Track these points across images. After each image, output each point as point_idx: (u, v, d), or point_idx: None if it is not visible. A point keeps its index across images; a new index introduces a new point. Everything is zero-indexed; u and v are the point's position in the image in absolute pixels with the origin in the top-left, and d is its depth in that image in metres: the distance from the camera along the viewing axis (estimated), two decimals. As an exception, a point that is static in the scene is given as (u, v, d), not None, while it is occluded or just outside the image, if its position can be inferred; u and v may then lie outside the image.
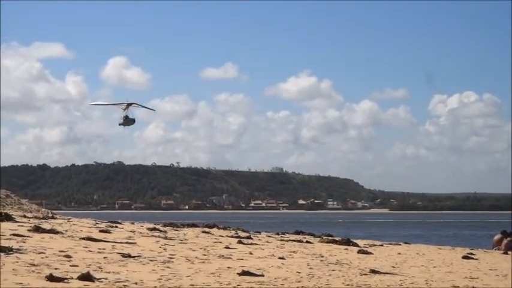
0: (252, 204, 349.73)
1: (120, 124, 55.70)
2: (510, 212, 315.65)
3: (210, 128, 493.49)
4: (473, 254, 22.82)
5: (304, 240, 23.17)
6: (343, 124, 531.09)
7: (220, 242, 18.79)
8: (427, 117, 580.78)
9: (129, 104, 53.86)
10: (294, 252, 17.82)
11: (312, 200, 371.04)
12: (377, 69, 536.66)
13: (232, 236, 22.00)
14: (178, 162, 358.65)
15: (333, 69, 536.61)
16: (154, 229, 23.00)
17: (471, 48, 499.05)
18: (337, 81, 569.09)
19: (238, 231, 25.76)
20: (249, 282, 11.06)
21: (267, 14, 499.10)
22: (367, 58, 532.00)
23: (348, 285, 11.77)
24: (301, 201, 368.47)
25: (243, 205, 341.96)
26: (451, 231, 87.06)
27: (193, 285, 10.09)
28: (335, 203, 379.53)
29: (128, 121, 54.74)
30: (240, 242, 19.21)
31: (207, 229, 25.49)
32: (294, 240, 22.77)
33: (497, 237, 32.62)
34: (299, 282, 11.67)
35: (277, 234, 27.17)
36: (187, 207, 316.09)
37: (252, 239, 21.75)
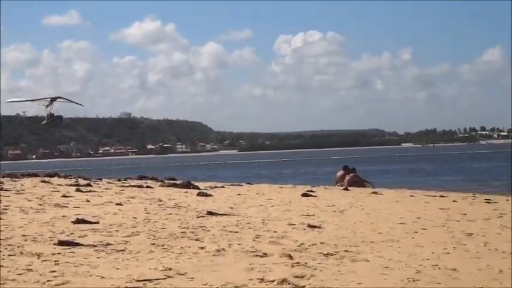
0: (101, 151, 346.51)
1: (44, 124, 50.29)
2: (356, 147, 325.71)
3: (55, 76, 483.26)
4: (313, 192, 23.34)
5: (145, 185, 23.10)
6: (190, 67, 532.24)
7: (58, 191, 18.42)
8: (272, 57, 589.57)
9: (53, 99, 47.57)
10: (132, 197, 17.71)
11: (161, 144, 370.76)
12: (221, 10, 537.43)
13: (71, 185, 21.64)
14: (24, 112, 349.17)
15: (177, 13, 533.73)
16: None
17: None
18: (182, 24, 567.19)
19: (79, 179, 25.41)
20: (82, 230, 10.92)
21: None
22: (209, 0, 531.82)
23: (183, 228, 11.82)
24: (150, 146, 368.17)
25: (91, 152, 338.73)
26: (300, 169, 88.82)
27: (25, 235, 9.86)
28: (184, 146, 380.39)
29: (53, 120, 48.75)
30: (78, 190, 18.91)
31: (47, 178, 24.97)
32: (134, 186, 22.64)
33: (339, 173, 33.57)
34: (134, 227, 11.63)
35: (119, 180, 26.95)
36: (34, 156, 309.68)
37: (91, 186, 21.50)
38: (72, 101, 52.66)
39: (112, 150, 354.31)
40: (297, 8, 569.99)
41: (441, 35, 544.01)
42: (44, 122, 48.81)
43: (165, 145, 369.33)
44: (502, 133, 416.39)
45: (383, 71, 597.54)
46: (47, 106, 46.96)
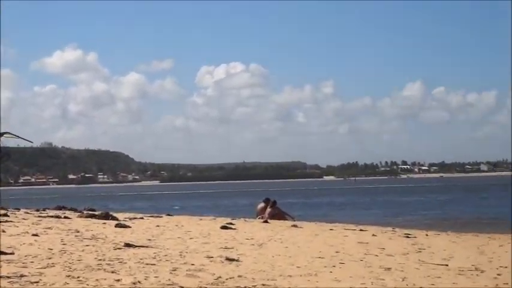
0: (22, 180, 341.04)
1: None
2: (278, 180, 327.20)
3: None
4: (233, 224, 23.29)
5: (63, 215, 22.72)
6: (111, 97, 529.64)
7: (-28, 221, 18.02)
8: (194, 89, 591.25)
9: (0, 135, 45.45)
10: (49, 228, 17.37)
11: (82, 174, 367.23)
12: (143, 40, 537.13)
13: (-14, 215, 21.15)
14: None
15: (98, 42, 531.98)
16: None
17: (238, 18, 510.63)
18: (103, 54, 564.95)
19: (-4, 209, 24.85)
20: (-5, 263, 10.66)
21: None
22: (131, 30, 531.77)
23: (100, 260, 11.63)
24: (71, 176, 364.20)
25: (11, 181, 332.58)
26: (221, 201, 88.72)
27: None
28: (106, 176, 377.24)
29: (1, 157, 45.81)
30: (-7, 220, 18.50)
31: (-39, 208, 24.34)
32: (52, 216, 22.25)
33: (260, 205, 33.54)
34: (50, 258, 11.41)
35: (37, 210, 26.45)
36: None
37: (8, 216, 21.03)
38: (21, 137, 49.60)
39: (33, 180, 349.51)
40: (219, 38, 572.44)
41: (363, 67, 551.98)
42: None
43: (86, 175, 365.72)
44: (423, 167, 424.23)
45: (305, 104, 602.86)
46: None
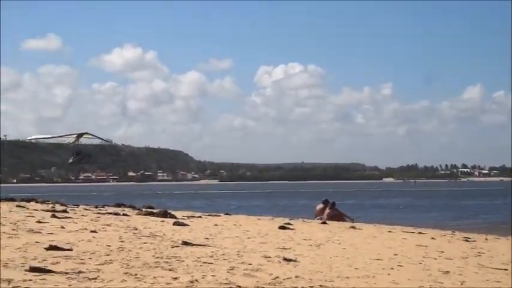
0: (82, 177, 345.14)
1: (71, 163, 45.57)
2: (337, 181, 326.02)
3: (36, 101, 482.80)
4: (291, 224, 23.24)
5: (122, 213, 22.90)
6: (170, 95, 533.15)
7: (33, 216, 18.23)
8: (253, 88, 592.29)
9: (79, 135, 42.38)
10: (108, 225, 17.53)
11: (142, 171, 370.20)
12: (202, 39, 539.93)
13: (47, 210, 21.43)
14: (5, 135, 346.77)
15: (158, 41, 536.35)
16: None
17: (296, 19, 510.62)
18: (162, 52, 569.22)
19: (56, 205, 25.18)
20: (55, 257, 10.77)
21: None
22: (193, 28, 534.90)
23: (157, 257, 11.67)
24: (131, 173, 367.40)
25: (72, 178, 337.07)
26: (279, 201, 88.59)
27: (-3, 262, 9.71)
28: (165, 174, 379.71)
29: (82, 159, 43.82)
30: (53, 216, 18.70)
31: (23, 203, 24.72)
32: (110, 213, 22.46)
33: (319, 206, 33.38)
34: (108, 255, 11.48)
35: (96, 207, 26.73)
36: (15, 180, 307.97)
37: (67, 212, 21.28)
38: (100, 138, 46.76)
39: (93, 177, 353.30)
40: (278, 39, 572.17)
41: (422, 70, 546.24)
42: (71, 160, 44.34)
43: (146, 173, 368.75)
44: (483, 171, 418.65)
45: (363, 105, 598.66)
46: (73, 143, 42.60)
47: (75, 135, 41.83)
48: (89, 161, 45.12)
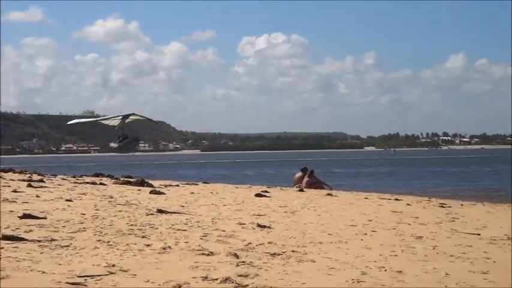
0: (63, 148, 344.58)
1: (116, 149, 42.35)
2: (319, 150, 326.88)
3: (18, 72, 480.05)
4: (268, 192, 23.32)
5: (99, 182, 22.90)
6: (153, 66, 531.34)
7: (9, 186, 18.19)
8: (236, 59, 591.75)
9: (125, 117, 40.14)
10: (83, 194, 17.52)
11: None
12: (184, 10, 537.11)
13: (24, 180, 21.39)
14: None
15: (140, 12, 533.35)
16: None
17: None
18: (145, 23, 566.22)
19: (34, 175, 25.13)
20: (28, 225, 10.78)
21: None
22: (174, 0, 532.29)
23: (131, 225, 11.71)
24: (112, 144, 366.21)
25: (53, 149, 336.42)
26: (260, 170, 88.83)
27: (-31, 231, 9.70)
28: (147, 145, 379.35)
29: (128, 143, 40.68)
30: (29, 186, 18.67)
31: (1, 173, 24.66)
32: (88, 183, 22.45)
33: (297, 175, 33.50)
34: (81, 223, 11.50)
35: (74, 177, 26.70)
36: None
37: (44, 182, 21.25)
38: (148, 118, 45.58)
39: (74, 148, 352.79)
40: (261, 9, 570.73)
41: (404, 40, 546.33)
42: (116, 144, 42.05)
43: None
44: (464, 139, 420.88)
45: (346, 74, 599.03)
46: (118, 126, 40.29)
47: (121, 117, 40.14)
48: (138, 145, 42.60)
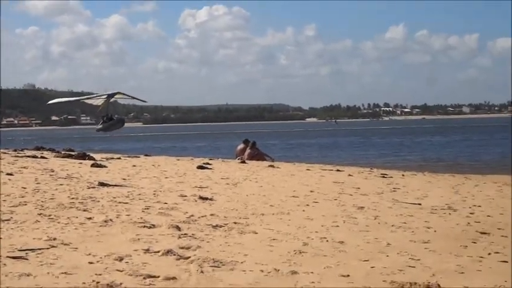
0: (4, 122, 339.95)
1: (99, 130, 39.68)
2: (261, 122, 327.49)
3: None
4: (210, 164, 23.34)
5: (40, 155, 22.65)
6: (93, 39, 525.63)
7: None
8: (177, 31, 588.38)
9: (110, 96, 38.30)
10: (24, 167, 17.32)
11: (66, 116, 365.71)
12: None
13: (-38, 154, 21.08)
14: None
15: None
16: None
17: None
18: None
19: (-27, 149, 24.77)
20: (-33, 201, 10.64)
21: None
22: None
23: (72, 198, 11.63)
24: (54, 118, 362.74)
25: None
26: (202, 143, 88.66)
27: None
28: (88, 118, 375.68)
29: (113, 125, 38.51)
30: (-32, 160, 18.43)
31: None
32: (29, 156, 22.19)
33: (239, 147, 33.54)
34: (22, 197, 11.39)
35: (15, 150, 26.34)
36: None
37: (-17, 156, 20.97)
38: (135, 98, 43.71)
39: (16, 122, 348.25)
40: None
41: (345, 11, 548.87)
42: (100, 126, 40.01)
43: (69, 117, 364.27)
44: (405, 109, 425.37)
45: (287, 46, 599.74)
46: (102, 105, 38.27)
47: (106, 96, 38.28)
48: (122, 126, 40.80)
